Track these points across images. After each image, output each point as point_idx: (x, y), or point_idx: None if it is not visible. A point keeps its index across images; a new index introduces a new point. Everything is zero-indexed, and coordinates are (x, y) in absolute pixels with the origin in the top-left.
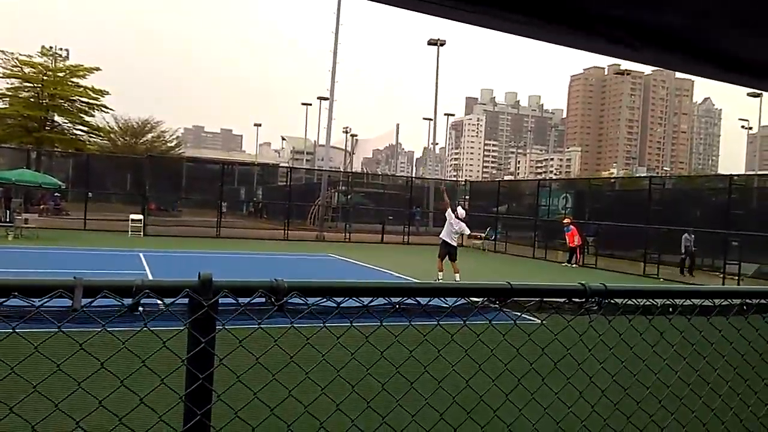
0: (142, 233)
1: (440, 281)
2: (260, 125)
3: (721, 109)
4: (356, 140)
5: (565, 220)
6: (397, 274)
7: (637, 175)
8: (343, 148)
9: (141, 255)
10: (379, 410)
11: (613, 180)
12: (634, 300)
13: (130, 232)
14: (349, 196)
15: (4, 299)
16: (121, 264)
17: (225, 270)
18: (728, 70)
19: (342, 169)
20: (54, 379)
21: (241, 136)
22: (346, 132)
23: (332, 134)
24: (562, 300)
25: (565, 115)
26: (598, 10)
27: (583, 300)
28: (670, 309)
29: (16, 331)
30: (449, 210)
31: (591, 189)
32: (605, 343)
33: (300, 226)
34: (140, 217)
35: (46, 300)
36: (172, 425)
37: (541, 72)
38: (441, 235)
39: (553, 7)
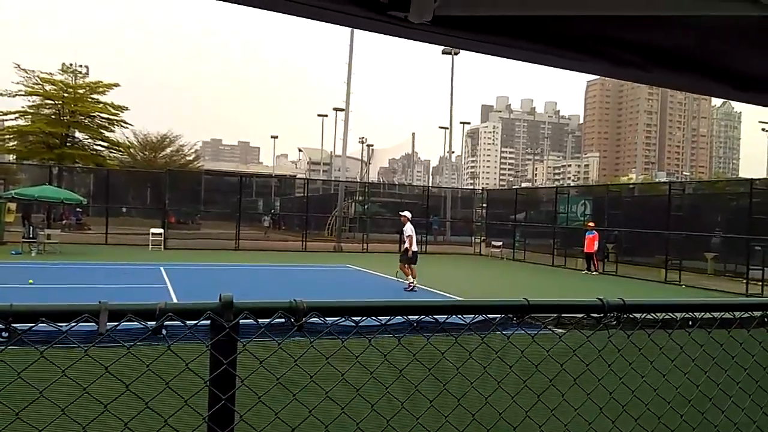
0: (162, 247)
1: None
2: (277, 137)
3: (740, 112)
4: (372, 150)
5: (590, 224)
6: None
7: (657, 180)
8: (360, 158)
9: (162, 269)
10: (399, 429)
11: (632, 185)
12: (653, 314)
13: (150, 246)
14: (366, 206)
15: (32, 324)
16: (143, 278)
17: (245, 283)
18: (743, 89)
19: (359, 180)
20: (81, 402)
21: (259, 148)
22: (363, 142)
23: (348, 145)
24: (580, 315)
25: (581, 121)
26: (606, 33)
27: (602, 315)
28: (690, 322)
29: (44, 355)
30: (409, 224)
31: (610, 195)
32: (625, 358)
33: (318, 236)
34: (160, 230)
35: (72, 325)
36: None
37: (557, 78)
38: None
39: (559, 33)
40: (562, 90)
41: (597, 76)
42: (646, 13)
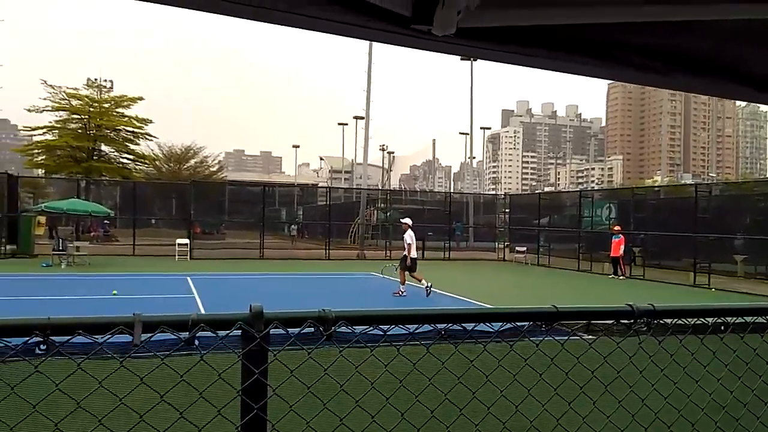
0: (188, 257)
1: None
2: (299, 146)
3: (767, 111)
4: (393, 157)
5: (616, 228)
6: (440, 291)
7: (683, 182)
8: (381, 165)
9: (188, 279)
10: None
11: (657, 188)
12: (684, 319)
13: (177, 257)
14: (388, 214)
15: (69, 337)
16: (170, 288)
17: (270, 293)
18: (764, 90)
19: (380, 187)
20: (117, 412)
21: (281, 157)
22: (383, 150)
23: (369, 152)
24: (609, 322)
25: (604, 124)
26: (625, 40)
27: (632, 321)
28: (722, 327)
29: (81, 367)
30: (410, 230)
31: (635, 198)
32: (656, 364)
33: (341, 244)
34: (186, 241)
35: (108, 337)
36: None
37: (578, 81)
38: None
39: (580, 41)
40: (583, 93)
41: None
42: (665, 18)
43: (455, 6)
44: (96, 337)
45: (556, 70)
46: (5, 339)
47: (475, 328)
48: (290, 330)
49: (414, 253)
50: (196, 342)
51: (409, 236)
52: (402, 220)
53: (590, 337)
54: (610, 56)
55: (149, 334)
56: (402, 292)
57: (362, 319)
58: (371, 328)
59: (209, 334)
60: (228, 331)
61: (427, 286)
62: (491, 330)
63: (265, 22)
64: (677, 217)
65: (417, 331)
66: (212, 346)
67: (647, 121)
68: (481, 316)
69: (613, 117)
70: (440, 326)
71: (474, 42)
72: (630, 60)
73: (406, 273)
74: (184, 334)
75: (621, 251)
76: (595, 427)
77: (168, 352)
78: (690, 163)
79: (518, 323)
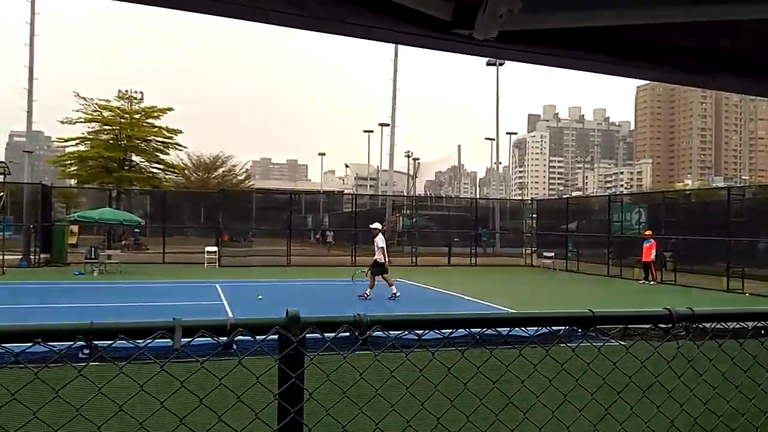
0: (217, 264)
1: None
2: (324, 154)
3: None
4: (418, 164)
5: (647, 232)
6: (467, 297)
7: (714, 185)
8: (406, 172)
9: (217, 286)
10: None
11: (688, 191)
12: (723, 324)
13: (206, 264)
14: (413, 220)
15: (111, 341)
16: (200, 295)
17: (298, 299)
18: None
19: (405, 193)
20: (158, 415)
21: (306, 165)
22: (408, 156)
23: (394, 159)
24: (647, 326)
25: (633, 127)
26: (667, 40)
27: (670, 326)
28: (763, 331)
29: (123, 371)
30: (381, 235)
31: (665, 202)
32: (695, 369)
33: (367, 251)
34: (215, 248)
35: (148, 341)
36: None
37: (605, 85)
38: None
39: (622, 43)
40: (611, 96)
41: (647, 81)
42: (714, 18)
43: (498, 10)
44: (137, 341)
45: (599, 72)
46: (49, 344)
47: (510, 333)
48: (326, 334)
49: (382, 258)
50: (234, 346)
51: (381, 240)
52: (371, 226)
53: (626, 342)
54: (653, 58)
55: (189, 339)
56: (367, 295)
57: (397, 324)
58: (406, 332)
59: (246, 338)
60: (265, 336)
61: (393, 294)
62: (527, 335)
63: (310, 30)
64: (709, 221)
65: (452, 335)
66: (250, 350)
67: (677, 124)
68: (516, 320)
69: (642, 120)
70: (475, 331)
71: (516, 45)
72: (673, 61)
73: (378, 276)
74: (223, 339)
75: (652, 256)
76: None
77: (207, 357)
78: (721, 165)
79: (554, 328)
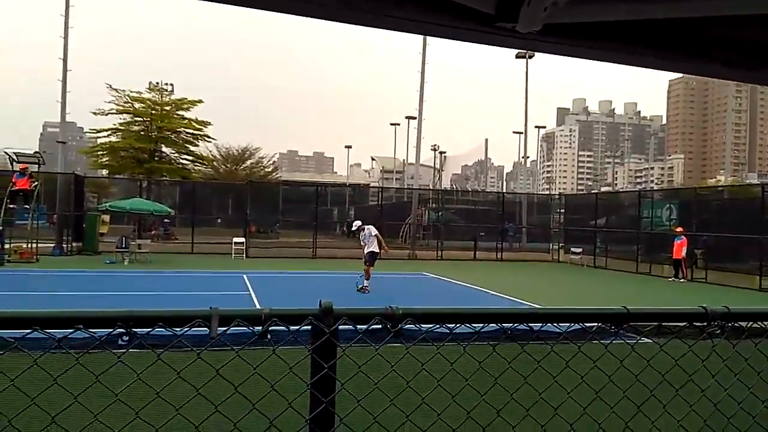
0: (244, 255)
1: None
2: (350, 147)
3: None
4: (445, 157)
5: (678, 229)
6: (492, 292)
7: (748, 182)
8: (432, 165)
9: (245, 276)
10: None
11: (721, 188)
12: (760, 323)
13: (233, 255)
14: (439, 214)
15: (150, 329)
16: (228, 286)
17: (325, 291)
18: None
19: (431, 187)
20: (193, 402)
21: (333, 158)
22: (435, 150)
23: (421, 152)
24: (682, 324)
25: (664, 122)
26: (716, 34)
27: (705, 324)
28: None
29: (161, 358)
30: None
31: (697, 198)
32: (730, 369)
33: (392, 244)
34: (242, 240)
35: (186, 329)
36: None
37: (637, 78)
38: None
39: (668, 36)
40: (642, 90)
41: (680, 75)
42: (753, 12)
43: (542, 2)
44: (174, 329)
45: (643, 66)
46: (90, 330)
47: (542, 329)
48: (358, 326)
49: (371, 248)
50: (268, 336)
51: (372, 229)
52: (355, 223)
53: (659, 340)
54: (704, 52)
55: (225, 328)
56: (366, 288)
57: (429, 317)
58: (438, 326)
59: (280, 328)
60: (299, 326)
61: (364, 285)
62: (558, 331)
63: (348, 22)
64: (742, 219)
65: (483, 330)
66: (284, 340)
67: (710, 119)
68: (549, 316)
69: (674, 114)
70: (507, 326)
71: (560, 39)
72: (718, 55)
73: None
74: (257, 329)
75: (683, 253)
76: (665, 431)
77: (242, 346)
78: (756, 162)
79: (586, 324)
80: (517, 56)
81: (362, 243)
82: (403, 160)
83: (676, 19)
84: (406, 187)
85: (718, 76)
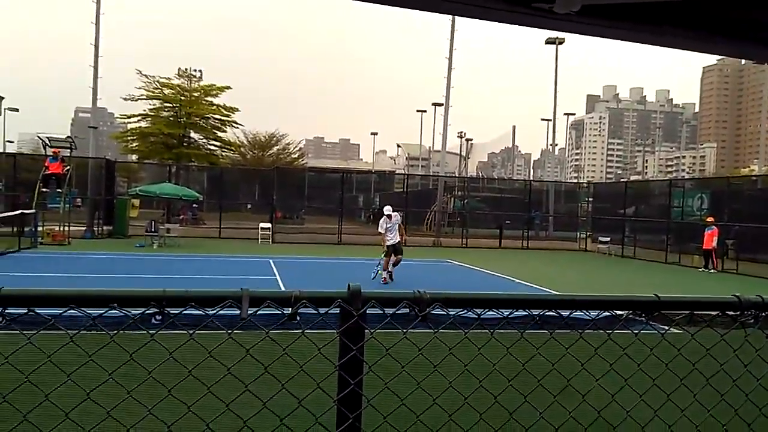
0: (270, 240)
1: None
2: (376, 134)
3: None
4: (471, 145)
5: (709, 219)
6: (518, 281)
7: None
8: (458, 153)
9: (271, 261)
10: (521, 421)
11: (755, 177)
12: None
13: (260, 240)
14: (465, 201)
15: (183, 308)
16: (254, 270)
17: (349, 276)
18: None
19: (457, 174)
20: (224, 381)
21: (358, 145)
22: (461, 137)
23: (447, 139)
24: (714, 313)
25: (697, 110)
26: (758, 17)
27: (738, 313)
28: None
29: (193, 337)
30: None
31: (730, 188)
32: (762, 359)
33: (417, 231)
34: (269, 225)
35: (217, 310)
36: (326, 426)
37: (670, 65)
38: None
39: (711, 18)
40: (675, 77)
41: (714, 62)
42: None
43: None
44: (206, 309)
45: (684, 49)
46: (125, 308)
47: (571, 315)
48: (386, 310)
49: (396, 239)
50: (297, 318)
51: (397, 219)
52: (386, 208)
53: (690, 328)
54: (745, 35)
55: (255, 309)
56: (384, 278)
57: (457, 302)
58: (465, 310)
59: (309, 310)
60: (328, 308)
61: (384, 276)
62: (587, 318)
63: (379, 3)
64: None
65: (511, 315)
66: (313, 322)
67: (745, 107)
68: (578, 303)
69: (707, 102)
70: (535, 312)
71: (598, 20)
72: (765, 38)
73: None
74: (287, 310)
75: (714, 243)
76: (695, 421)
77: (272, 327)
78: None
79: (616, 312)
80: (547, 42)
81: (382, 229)
82: (429, 147)
83: (719, 1)
84: (431, 174)
85: (761, 60)
